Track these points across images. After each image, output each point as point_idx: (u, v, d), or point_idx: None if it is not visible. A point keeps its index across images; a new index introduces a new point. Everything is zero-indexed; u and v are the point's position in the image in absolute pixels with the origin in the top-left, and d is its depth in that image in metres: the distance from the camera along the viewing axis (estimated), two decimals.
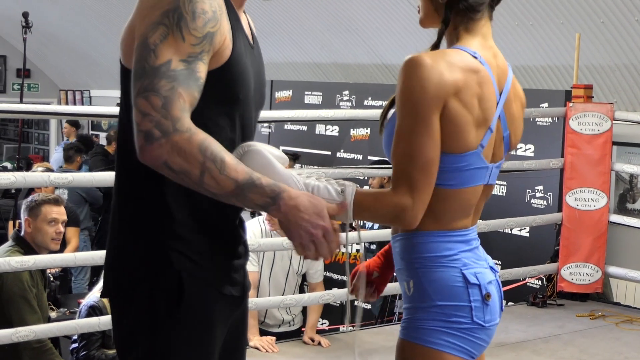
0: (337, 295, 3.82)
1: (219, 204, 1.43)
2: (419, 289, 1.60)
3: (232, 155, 1.41)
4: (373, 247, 5.68)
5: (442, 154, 1.52)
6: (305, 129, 6.66)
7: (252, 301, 3.38)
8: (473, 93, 1.53)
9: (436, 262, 1.59)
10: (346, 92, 6.42)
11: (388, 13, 6.13)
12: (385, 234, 3.72)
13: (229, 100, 1.49)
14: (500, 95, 1.59)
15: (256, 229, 3.85)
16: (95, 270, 6.04)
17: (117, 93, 1.81)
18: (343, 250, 1.63)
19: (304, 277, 4.10)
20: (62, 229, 3.62)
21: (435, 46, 1.66)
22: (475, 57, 1.55)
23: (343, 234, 1.52)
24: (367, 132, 6.21)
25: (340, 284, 5.35)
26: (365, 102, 6.22)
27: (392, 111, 1.61)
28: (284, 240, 3.42)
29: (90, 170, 7.09)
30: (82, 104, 10.70)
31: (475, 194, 1.61)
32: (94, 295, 3.64)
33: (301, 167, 6.20)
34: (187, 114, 1.36)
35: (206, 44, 1.38)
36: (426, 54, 1.52)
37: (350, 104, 6.37)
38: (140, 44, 1.36)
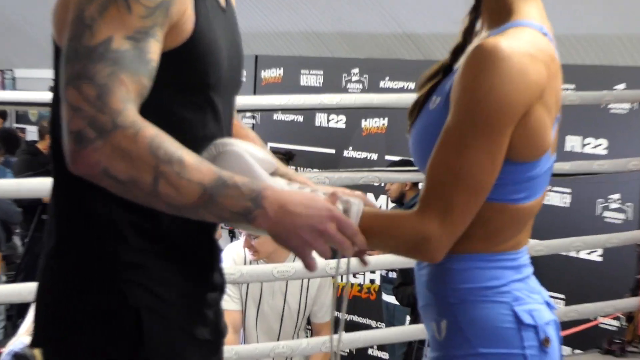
0: (347, 341, 3.82)
1: (186, 218, 1.45)
2: (455, 331, 1.61)
3: (197, 155, 1.42)
4: (392, 275, 5.69)
5: (512, 164, 1.55)
6: (302, 120, 6.70)
7: (232, 349, 3.38)
8: (553, 90, 1.56)
9: (479, 296, 1.60)
10: (355, 71, 6.48)
11: None
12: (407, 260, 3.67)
13: (196, 87, 1.50)
14: None
15: (237, 254, 3.87)
16: (19, 310, 6.04)
17: (49, 73, 1.81)
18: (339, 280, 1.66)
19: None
20: None
21: (474, 13, 1.68)
22: (545, 35, 1.58)
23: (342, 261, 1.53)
24: (383, 124, 6.24)
25: (351, 326, 5.35)
26: (381, 84, 6.24)
27: (433, 100, 1.62)
28: (274, 269, 3.44)
29: (15, 176, 7.08)
30: (3, 88, 10.71)
31: (538, 205, 1.64)
32: (19, 340, 3.63)
33: (296, 170, 6.19)
34: (131, 105, 1.37)
35: (159, 15, 1.39)
36: (504, 39, 1.51)
37: (361, 86, 6.43)
38: (74, 18, 1.38)
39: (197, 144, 1.47)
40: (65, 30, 1.40)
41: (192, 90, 1.49)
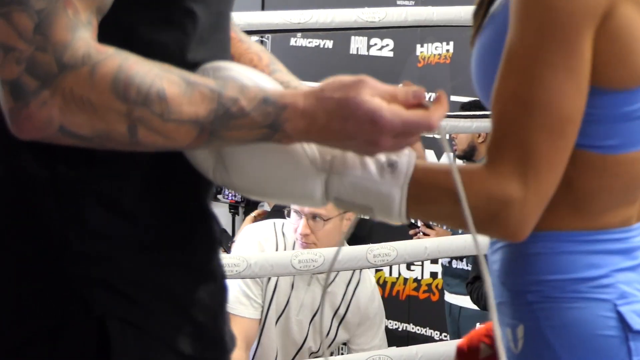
0: (400, 357, 3.85)
1: (167, 178, 1.48)
2: (536, 341, 1.62)
3: (183, 74, 1.43)
4: (459, 265, 5.70)
5: (597, 92, 1.55)
6: (331, 46, 6.77)
7: None
8: None
9: (570, 291, 1.61)
10: None
11: None
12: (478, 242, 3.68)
13: None
14: None
15: (269, 241, 3.97)
16: None
17: None
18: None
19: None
20: None
21: None
22: None
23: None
24: (448, 50, 6.32)
25: (406, 338, 5.39)
26: None
27: (497, 4, 1.64)
28: (294, 257, 3.48)
29: None
30: None
31: None
32: None
33: None
34: (83, 31, 1.37)
35: None
36: None
37: None
38: None
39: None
40: None
41: (169, 3, 1.50)
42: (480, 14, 1.69)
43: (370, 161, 1.52)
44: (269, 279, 3.88)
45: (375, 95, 1.42)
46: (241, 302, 3.85)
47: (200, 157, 1.52)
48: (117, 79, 1.36)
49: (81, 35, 1.36)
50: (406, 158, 1.53)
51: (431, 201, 1.55)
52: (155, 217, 1.55)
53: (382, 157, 1.52)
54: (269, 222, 4.14)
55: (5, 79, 1.35)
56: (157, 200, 1.55)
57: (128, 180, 1.51)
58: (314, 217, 3.89)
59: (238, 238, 4.39)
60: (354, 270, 3.97)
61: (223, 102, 1.40)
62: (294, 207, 3.98)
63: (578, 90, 1.52)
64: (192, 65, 1.53)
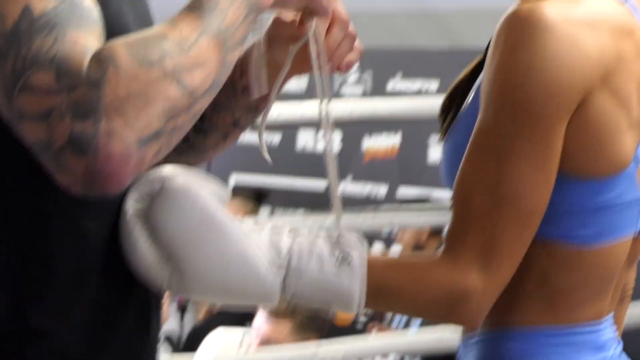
0: None
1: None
2: None
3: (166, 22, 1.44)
4: None
5: (569, 182, 1.57)
6: (279, 141, 6.83)
7: None
8: (630, 74, 1.57)
9: None
10: (354, 66, 6.52)
11: None
12: (438, 338, 3.71)
13: None
14: None
15: (232, 346, 3.97)
16: None
17: None
18: None
19: None
20: None
21: None
22: (624, 3, 1.61)
23: None
24: (394, 144, 6.40)
25: None
26: (390, 85, 6.41)
27: (468, 97, 1.65)
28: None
29: None
30: None
31: (620, 254, 1.65)
32: None
33: (272, 213, 6.33)
34: (92, 51, 1.36)
35: None
36: (548, 4, 1.54)
37: (362, 87, 6.60)
38: None
39: None
40: None
41: None
42: (450, 112, 1.70)
43: (325, 256, 1.53)
44: None
45: None
46: None
47: (155, 269, 1.51)
48: (135, 55, 1.35)
49: (91, 49, 1.36)
50: (358, 251, 1.54)
51: (389, 293, 1.55)
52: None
53: (336, 252, 1.54)
54: (238, 331, 4.16)
55: (60, 145, 1.31)
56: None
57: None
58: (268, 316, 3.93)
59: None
60: None
61: (202, 5, 1.44)
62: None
63: (547, 182, 1.53)
64: None
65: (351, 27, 1.67)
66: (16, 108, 1.33)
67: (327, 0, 1.56)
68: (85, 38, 1.36)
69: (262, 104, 1.89)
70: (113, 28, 1.49)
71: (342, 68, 1.76)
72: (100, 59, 1.33)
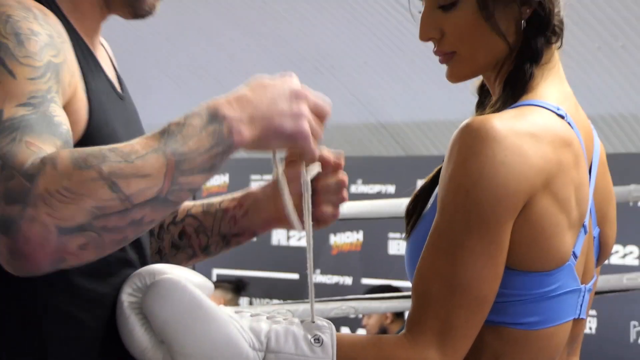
0: None
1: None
2: None
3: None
4: None
5: (517, 274, 1.60)
6: (255, 238, 6.96)
7: None
8: (569, 180, 1.61)
9: None
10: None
11: (385, 43, 6.58)
12: None
13: None
14: (590, 172, 1.70)
15: None
16: None
17: None
18: None
19: None
20: None
21: (482, 96, 1.80)
22: (562, 117, 1.65)
23: None
24: (358, 239, 6.62)
25: None
26: (353, 188, 6.60)
27: (429, 205, 1.69)
28: None
29: None
30: None
31: (562, 337, 1.67)
32: None
33: (250, 303, 6.50)
34: (40, 154, 1.36)
35: (52, 78, 1.44)
36: (497, 117, 1.57)
37: None
38: None
39: (112, 270, 1.57)
40: None
41: None
42: (414, 214, 1.73)
43: (300, 339, 1.57)
44: None
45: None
46: None
47: (149, 353, 1.55)
48: (75, 158, 1.34)
49: (42, 153, 1.36)
50: (329, 333, 1.59)
51: None
52: None
53: (309, 335, 1.58)
54: None
55: None
56: None
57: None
58: None
59: None
60: None
61: (163, 130, 1.42)
62: None
63: (495, 274, 1.56)
64: (125, 261, 1.64)
65: (342, 175, 1.71)
66: None
67: (311, 144, 1.54)
68: (41, 144, 1.37)
69: (235, 239, 1.92)
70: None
71: (321, 220, 1.85)
72: (43, 159, 1.33)
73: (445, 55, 1.70)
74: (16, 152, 1.35)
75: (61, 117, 1.43)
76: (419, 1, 1.69)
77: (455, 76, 1.72)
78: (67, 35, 1.53)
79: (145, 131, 1.66)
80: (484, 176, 1.54)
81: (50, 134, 1.40)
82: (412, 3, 1.72)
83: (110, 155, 1.35)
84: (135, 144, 1.37)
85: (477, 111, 1.78)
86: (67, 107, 1.49)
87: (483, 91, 1.81)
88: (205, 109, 1.43)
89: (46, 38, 1.46)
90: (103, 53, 1.68)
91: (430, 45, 1.70)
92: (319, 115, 1.55)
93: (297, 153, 1.57)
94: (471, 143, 1.55)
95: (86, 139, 1.53)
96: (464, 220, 1.55)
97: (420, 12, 1.69)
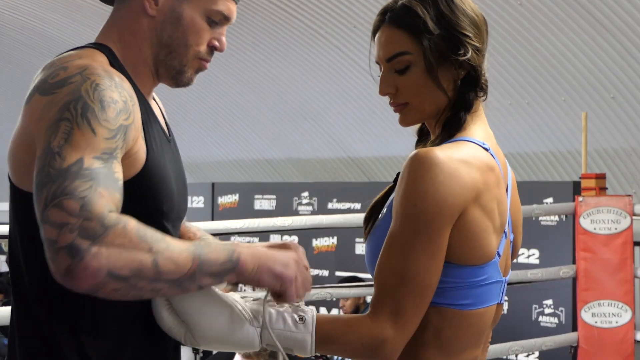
0: None
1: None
2: None
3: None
4: None
5: (455, 267, 1.56)
6: (257, 242, 6.85)
7: None
8: (493, 196, 1.58)
9: None
10: (305, 194, 6.76)
11: (353, 97, 6.56)
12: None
13: (151, 216, 1.51)
14: (507, 191, 1.66)
15: None
16: None
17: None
18: None
19: None
20: None
21: (421, 136, 1.75)
22: (487, 150, 1.62)
23: None
24: (333, 242, 6.55)
25: None
26: (330, 205, 6.54)
27: (382, 214, 1.64)
28: None
29: None
30: None
31: (489, 316, 1.64)
32: None
33: (253, 289, 6.38)
34: (114, 213, 1.36)
35: (120, 139, 1.43)
36: (438, 149, 1.55)
37: (311, 208, 6.73)
38: (42, 151, 1.39)
39: None
40: (24, 171, 1.45)
41: (147, 218, 1.45)
42: (370, 221, 1.69)
43: (288, 318, 1.55)
44: None
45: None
46: None
47: (174, 330, 1.55)
48: (139, 229, 1.36)
49: (112, 210, 1.37)
50: (310, 313, 1.56)
51: (331, 340, 1.56)
52: None
53: (295, 315, 1.55)
54: None
55: (61, 245, 1.31)
56: None
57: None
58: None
59: None
60: None
61: (198, 243, 1.45)
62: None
63: (437, 268, 1.53)
64: None
65: (308, 274, 1.58)
66: (46, 214, 1.34)
67: (296, 289, 1.51)
68: (108, 197, 1.37)
69: None
70: (161, 184, 1.54)
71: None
72: (118, 217, 1.35)
73: (399, 106, 1.66)
74: (94, 200, 1.34)
75: (119, 174, 1.41)
76: (377, 66, 1.68)
77: (406, 122, 1.68)
78: (135, 96, 1.51)
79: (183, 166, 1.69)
80: (428, 193, 1.51)
81: (113, 188, 1.38)
82: (373, 69, 1.71)
83: (160, 241, 1.36)
84: (177, 242, 1.39)
85: (416, 147, 1.74)
86: (130, 151, 1.47)
87: (423, 133, 1.78)
88: (227, 243, 1.45)
89: (122, 105, 1.45)
90: (155, 106, 1.66)
91: (387, 98, 1.67)
92: (305, 281, 1.53)
93: (279, 293, 1.53)
94: (418, 167, 1.53)
95: (145, 170, 1.51)
96: (412, 226, 1.52)
97: (379, 75, 1.68)
